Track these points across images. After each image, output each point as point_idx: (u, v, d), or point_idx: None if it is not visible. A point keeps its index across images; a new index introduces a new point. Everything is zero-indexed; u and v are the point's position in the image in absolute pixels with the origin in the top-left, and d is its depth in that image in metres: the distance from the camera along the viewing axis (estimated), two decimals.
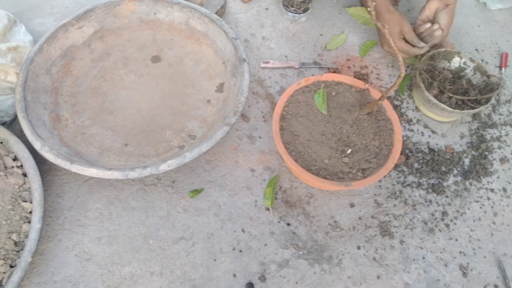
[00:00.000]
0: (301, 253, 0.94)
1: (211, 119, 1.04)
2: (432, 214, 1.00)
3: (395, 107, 1.14)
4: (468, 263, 0.95)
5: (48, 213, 0.95)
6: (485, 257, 0.96)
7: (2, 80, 1.00)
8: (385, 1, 1.10)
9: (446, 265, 0.95)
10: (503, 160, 1.09)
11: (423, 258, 0.95)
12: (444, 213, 1.01)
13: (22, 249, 0.85)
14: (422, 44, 1.07)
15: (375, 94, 1.01)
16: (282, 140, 0.93)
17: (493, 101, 1.17)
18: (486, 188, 1.05)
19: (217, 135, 0.90)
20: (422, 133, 1.11)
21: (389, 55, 1.23)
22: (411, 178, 1.05)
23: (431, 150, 1.09)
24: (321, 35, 1.27)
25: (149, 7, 1.13)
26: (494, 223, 1.00)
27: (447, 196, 1.03)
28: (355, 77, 1.18)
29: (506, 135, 1.13)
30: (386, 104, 0.99)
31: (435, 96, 1.04)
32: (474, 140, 1.11)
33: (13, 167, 0.92)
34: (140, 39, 1.16)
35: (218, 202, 0.99)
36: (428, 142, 1.10)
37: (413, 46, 1.08)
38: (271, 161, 1.05)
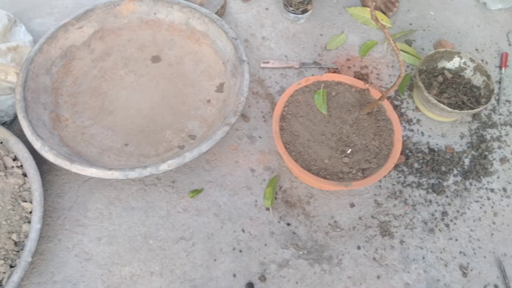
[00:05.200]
0: (301, 253, 0.94)
1: (211, 119, 1.04)
2: (432, 214, 1.00)
3: (395, 107, 1.14)
4: (468, 263, 0.95)
5: (48, 213, 0.95)
6: (485, 257, 0.96)
7: (2, 80, 1.00)
8: None
9: (446, 265, 0.95)
10: (503, 160, 1.09)
11: (423, 258, 0.95)
12: (444, 213, 1.01)
13: (22, 249, 0.85)
14: None
15: (375, 94, 1.01)
16: (282, 140, 0.93)
17: (493, 101, 1.17)
18: (486, 188, 1.05)
19: (217, 135, 0.90)
20: (422, 133, 1.11)
21: (389, 55, 1.23)
22: (411, 178, 1.05)
23: (431, 150, 1.08)
24: (321, 35, 1.27)
25: (149, 7, 1.13)
26: (494, 223, 1.00)
27: (447, 196, 1.03)
28: (355, 77, 1.18)
29: (506, 135, 1.13)
30: (386, 104, 0.99)
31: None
32: (474, 140, 1.11)
33: (13, 167, 0.92)
34: (140, 39, 1.16)
35: (218, 202, 0.99)
36: (428, 142, 1.10)
37: None
38: (271, 161, 1.05)
